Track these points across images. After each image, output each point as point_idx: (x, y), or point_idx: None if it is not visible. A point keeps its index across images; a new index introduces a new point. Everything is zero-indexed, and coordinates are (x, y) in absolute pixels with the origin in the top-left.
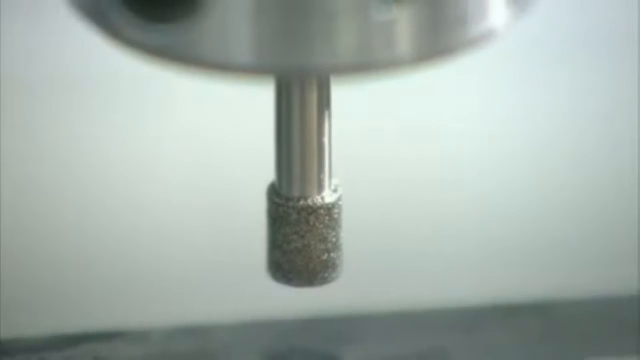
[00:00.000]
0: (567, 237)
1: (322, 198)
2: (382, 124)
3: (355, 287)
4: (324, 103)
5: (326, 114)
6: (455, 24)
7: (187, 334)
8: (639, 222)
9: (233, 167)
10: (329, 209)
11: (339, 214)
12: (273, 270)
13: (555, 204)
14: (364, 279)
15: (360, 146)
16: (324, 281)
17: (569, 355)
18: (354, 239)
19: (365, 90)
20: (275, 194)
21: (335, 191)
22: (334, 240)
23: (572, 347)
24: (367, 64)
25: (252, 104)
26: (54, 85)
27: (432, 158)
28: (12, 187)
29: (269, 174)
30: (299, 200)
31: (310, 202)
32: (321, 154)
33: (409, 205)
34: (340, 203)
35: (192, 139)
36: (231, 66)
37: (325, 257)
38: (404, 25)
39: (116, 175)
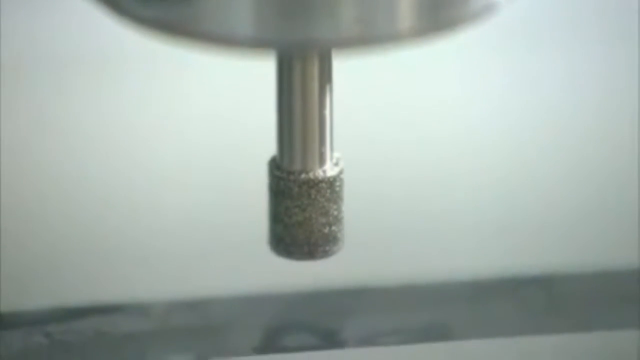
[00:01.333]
0: (569, 211)
1: (324, 171)
2: (383, 98)
3: (356, 260)
4: (325, 76)
5: (327, 87)
6: None
7: (188, 308)
8: (639, 198)
9: (234, 141)
10: (330, 182)
11: (340, 187)
12: (274, 244)
13: (558, 178)
14: (365, 252)
15: (362, 120)
16: (325, 254)
17: (571, 328)
18: (355, 212)
19: (366, 65)
20: (277, 167)
21: (336, 164)
22: (335, 213)
23: (574, 320)
24: (368, 38)
25: (253, 78)
26: (60, 62)
27: (433, 132)
28: (12, 161)
29: (270, 148)
30: (300, 173)
31: (311, 175)
32: (322, 128)
33: (411, 178)
34: (342, 176)
35: (192, 113)
36: (232, 40)
37: (326, 230)
38: None
39: (118, 151)
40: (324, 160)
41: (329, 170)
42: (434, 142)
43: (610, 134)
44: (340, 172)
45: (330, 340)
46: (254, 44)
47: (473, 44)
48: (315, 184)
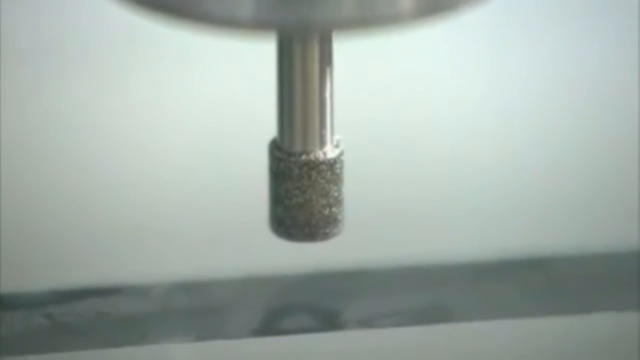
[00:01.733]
0: (568, 193)
1: (324, 153)
2: (384, 80)
3: (356, 242)
4: (326, 58)
5: (328, 69)
6: None
7: (188, 290)
8: (639, 179)
9: (235, 123)
10: (331, 164)
11: (341, 168)
12: (275, 226)
13: (557, 161)
14: (365, 234)
15: (362, 102)
16: (326, 236)
17: (570, 310)
18: (355, 194)
19: (367, 46)
20: (277, 149)
21: (336, 146)
22: (336, 195)
23: (573, 302)
24: (368, 19)
25: (254, 60)
26: (61, 46)
27: (434, 114)
28: (12, 144)
29: (270, 129)
30: (300, 155)
31: (312, 156)
32: (323, 109)
33: (411, 161)
34: (342, 158)
35: (193, 94)
36: (233, 22)
37: (326, 212)
38: None
39: (116, 133)
40: (324, 142)
41: (330, 152)
42: (434, 124)
43: (609, 115)
44: (341, 153)
45: (330, 322)
46: (255, 25)
47: (474, 25)
48: (315, 165)
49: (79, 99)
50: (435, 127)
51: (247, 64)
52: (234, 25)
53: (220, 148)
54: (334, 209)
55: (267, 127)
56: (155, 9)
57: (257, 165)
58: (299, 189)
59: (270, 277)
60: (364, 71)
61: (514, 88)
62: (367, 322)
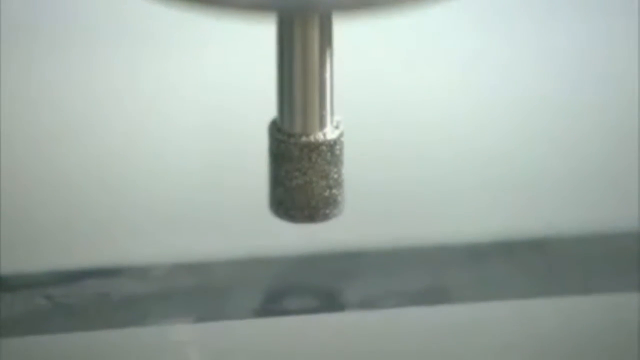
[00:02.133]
0: (567, 173)
1: (324, 134)
2: (384, 62)
3: (356, 223)
4: (326, 40)
5: (328, 50)
6: None
7: (188, 271)
8: (639, 159)
9: (234, 104)
10: (331, 146)
11: (341, 150)
12: (275, 207)
13: (557, 141)
14: (365, 216)
15: (363, 83)
16: (326, 217)
17: (569, 291)
18: (355, 175)
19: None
20: (277, 130)
21: (336, 127)
22: (336, 176)
23: (573, 283)
24: (369, 1)
25: (254, 41)
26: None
27: (434, 95)
28: (14, 122)
29: (270, 111)
30: (300, 136)
31: (311, 138)
32: (323, 91)
33: (411, 141)
34: (342, 139)
35: (192, 76)
36: (233, 3)
37: (326, 193)
38: None
39: (118, 113)
40: (324, 123)
41: (330, 133)
42: (434, 105)
43: (609, 94)
44: (341, 135)
45: (330, 303)
46: (255, 6)
47: (475, 7)
48: (315, 147)
49: (75, 78)
50: (435, 109)
51: (248, 45)
52: (234, 7)
53: (220, 128)
54: (334, 191)
55: (268, 108)
56: None
57: (257, 146)
58: (299, 171)
59: (271, 258)
60: (364, 52)
61: (514, 68)
62: (367, 303)
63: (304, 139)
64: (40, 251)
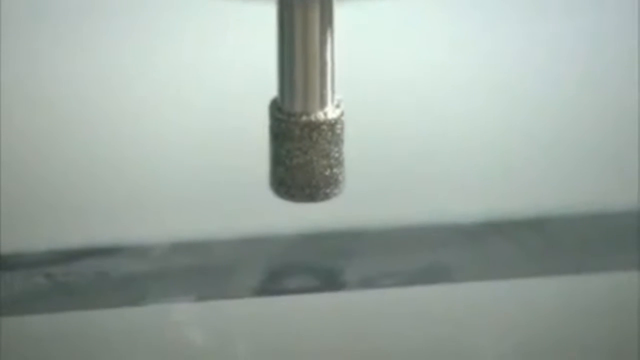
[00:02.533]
0: (567, 152)
1: (325, 113)
2: (385, 43)
3: (357, 202)
4: (327, 19)
5: (328, 30)
6: None
7: (188, 249)
8: (639, 137)
9: (235, 83)
10: (332, 125)
11: (342, 129)
12: (275, 186)
13: (556, 120)
14: (365, 195)
15: (363, 64)
16: (326, 196)
17: (568, 270)
18: (356, 154)
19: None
20: (278, 109)
21: (337, 107)
22: (336, 155)
23: (571, 262)
24: None
25: (255, 20)
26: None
27: (434, 75)
28: (14, 101)
29: (271, 90)
30: (301, 115)
31: (312, 117)
32: (323, 70)
33: (411, 122)
34: (343, 119)
35: (193, 56)
36: None
37: (327, 172)
38: None
39: (119, 94)
40: (325, 102)
41: (330, 112)
42: (434, 85)
43: (608, 74)
44: (342, 114)
45: (331, 282)
46: None
47: None
48: (316, 126)
49: (78, 57)
50: (436, 88)
51: (249, 24)
52: None
53: (221, 108)
54: (334, 170)
55: (268, 87)
56: None
57: (258, 125)
58: (300, 150)
59: (271, 237)
60: (365, 32)
61: (510, 46)
62: (367, 282)
63: (304, 118)
64: (40, 230)
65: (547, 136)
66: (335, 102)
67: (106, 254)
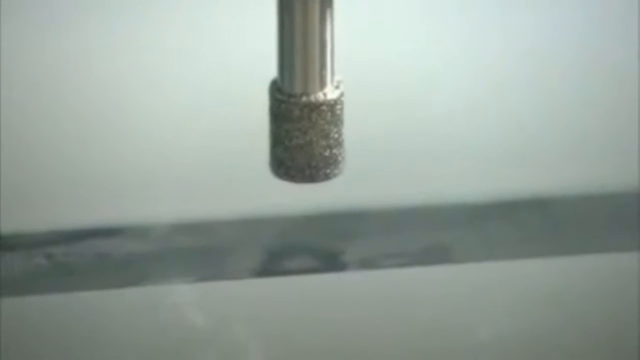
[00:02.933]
0: (568, 133)
1: (324, 94)
2: (385, 24)
3: (357, 183)
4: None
5: (328, 10)
6: None
7: (189, 230)
8: (639, 117)
9: (235, 64)
10: (331, 105)
11: (341, 110)
12: (275, 167)
13: (556, 100)
14: (366, 175)
15: (363, 45)
16: (326, 177)
17: (569, 250)
18: (356, 135)
19: None
20: (278, 90)
21: (337, 87)
22: (336, 136)
23: (572, 243)
24: None
25: (254, 0)
26: None
27: (433, 57)
28: (14, 80)
29: (271, 71)
30: (301, 96)
31: (312, 98)
32: (323, 51)
33: (411, 102)
34: (343, 99)
35: (192, 37)
36: None
37: (327, 153)
38: None
39: (121, 75)
40: (324, 83)
41: (330, 93)
42: (435, 66)
43: (608, 54)
44: (341, 95)
45: (331, 263)
46: None
47: None
48: (316, 106)
49: (79, 37)
50: (436, 69)
51: (249, 5)
52: None
53: (221, 88)
54: (334, 150)
55: (268, 68)
56: None
57: (257, 106)
58: (300, 131)
59: (271, 218)
60: (365, 13)
61: (514, 25)
62: (368, 263)
63: (304, 98)
64: (40, 211)
65: (549, 117)
66: (335, 83)
67: (106, 234)
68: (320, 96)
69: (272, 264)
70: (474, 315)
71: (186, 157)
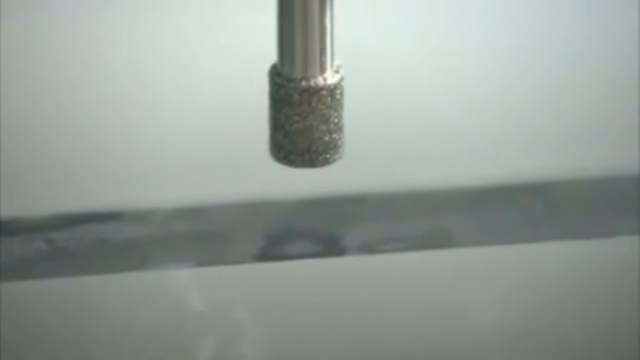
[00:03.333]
0: (568, 117)
1: (324, 79)
2: (384, 7)
3: (356, 168)
4: None
5: None
6: None
7: (189, 215)
8: (639, 102)
9: (235, 49)
10: (331, 90)
11: (341, 94)
12: (275, 152)
13: (556, 84)
14: (365, 160)
15: (363, 29)
16: (326, 162)
17: (570, 234)
18: (355, 119)
19: None
20: (277, 74)
21: (337, 72)
22: (336, 121)
23: (573, 227)
24: None
25: None
26: None
27: (435, 40)
28: (15, 63)
29: (270, 55)
30: (300, 81)
31: (312, 82)
32: (323, 35)
33: (412, 86)
34: (342, 84)
35: (193, 20)
36: None
37: (326, 138)
38: None
39: (122, 59)
40: (324, 67)
41: (330, 77)
42: (435, 50)
43: (608, 38)
44: (341, 79)
45: (331, 247)
46: None
47: None
48: (315, 91)
49: (80, 24)
50: (436, 53)
51: None
52: None
53: (220, 74)
54: (334, 135)
55: (268, 52)
56: None
57: (257, 91)
58: (299, 115)
59: (271, 203)
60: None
61: (510, 14)
62: (367, 248)
63: (304, 83)
64: (40, 195)
65: (549, 100)
66: (335, 68)
67: (107, 219)
68: (320, 81)
69: (271, 249)
70: (474, 299)
71: (186, 141)
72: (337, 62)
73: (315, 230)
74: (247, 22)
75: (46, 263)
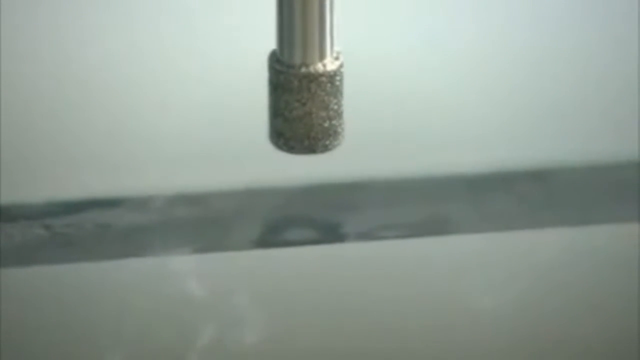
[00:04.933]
0: (568, 103)
1: (324, 65)
2: None
3: (356, 154)
4: None
5: None
6: None
7: (188, 201)
8: (639, 88)
9: (234, 35)
10: (331, 76)
11: (341, 81)
12: (274, 138)
13: (556, 71)
14: (365, 146)
15: (363, 15)
16: (325, 148)
17: (569, 221)
18: (355, 106)
19: None
20: (277, 61)
21: (336, 58)
22: (335, 107)
23: (572, 214)
24: None
25: None
26: None
27: (435, 28)
28: (15, 51)
29: (270, 41)
30: (300, 67)
31: (311, 69)
32: (322, 21)
33: (412, 73)
34: (342, 70)
35: (193, 7)
36: None
37: (326, 124)
38: None
39: (121, 47)
40: (324, 54)
41: (329, 64)
42: (435, 37)
43: (608, 25)
44: (341, 66)
45: (330, 234)
46: None
47: None
48: (315, 77)
49: (80, 14)
50: (436, 41)
51: None
52: None
53: (220, 60)
54: (333, 122)
55: (267, 38)
56: None
57: (256, 77)
58: (299, 102)
59: (270, 190)
60: None
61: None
62: (367, 234)
63: (303, 69)
64: (40, 181)
65: (549, 87)
66: (335, 54)
67: (106, 205)
68: (319, 67)
69: (271, 235)
70: (473, 286)
71: (186, 128)
72: (336, 48)
73: (315, 217)
74: (250, 9)
75: (46, 249)
